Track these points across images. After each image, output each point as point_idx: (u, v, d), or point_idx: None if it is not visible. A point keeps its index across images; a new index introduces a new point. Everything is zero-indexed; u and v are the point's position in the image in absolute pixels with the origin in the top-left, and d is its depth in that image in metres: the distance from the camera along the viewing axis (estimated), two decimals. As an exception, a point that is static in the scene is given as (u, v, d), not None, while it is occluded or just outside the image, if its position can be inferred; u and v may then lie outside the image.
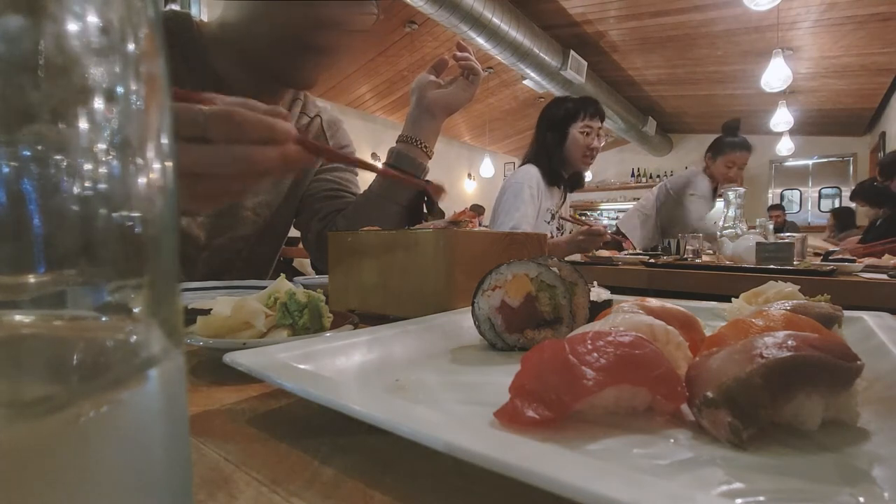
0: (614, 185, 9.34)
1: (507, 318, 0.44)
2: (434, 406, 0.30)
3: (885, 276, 1.22)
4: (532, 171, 1.86)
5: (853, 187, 4.19)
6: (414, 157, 0.92)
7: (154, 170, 0.13)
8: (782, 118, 5.24)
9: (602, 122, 1.90)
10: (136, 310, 0.12)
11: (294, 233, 1.11)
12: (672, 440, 0.24)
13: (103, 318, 0.12)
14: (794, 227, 4.91)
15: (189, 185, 0.45)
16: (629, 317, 0.34)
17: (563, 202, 2.04)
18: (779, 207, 6.13)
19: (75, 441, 0.10)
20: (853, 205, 4.20)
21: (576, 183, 2.02)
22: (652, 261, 1.66)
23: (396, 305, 0.59)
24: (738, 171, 2.43)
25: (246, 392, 0.34)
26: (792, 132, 6.03)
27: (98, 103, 0.11)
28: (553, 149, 1.88)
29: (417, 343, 0.43)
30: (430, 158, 0.95)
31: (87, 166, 0.11)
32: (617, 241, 2.11)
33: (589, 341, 0.28)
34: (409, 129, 0.93)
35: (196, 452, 0.25)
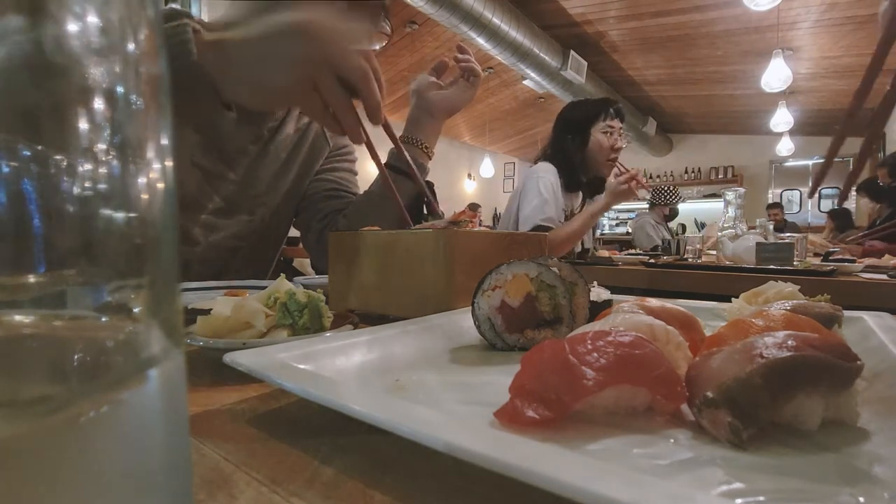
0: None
1: (507, 318, 0.44)
2: (434, 406, 0.30)
3: (884, 277, 1.22)
4: (550, 168, 1.81)
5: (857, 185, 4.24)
6: (415, 157, 0.92)
7: (154, 170, 0.13)
8: (782, 118, 5.25)
9: (622, 121, 1.83)
10: (136, 310, 0.12)
11: (294, 233, 1.11)
12: (672, 440, 0.24)
13: (103, 318, 0.12)
14: (794, 228, 4.91)
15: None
16: (629, 317, 0.34)
17: (581, 209, 1.95)
18: (777, 206, 6.12)
19: (75, 441, 0.10)
20: (852, 206, 4.24)
21: (596, 188, 1.92)
22: (652, 261, 1.66)
23: (396, 305, 0.59)
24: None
25: (246, 392, 0.34)
26: (792, 132, 6.04)
27: (98, 103, 0.11)
28: (574, 152, 1.81)
29: (417, 343, 0.43)
30: (430, 159, 0.95)
31: (87, 166, 0.11)
32: None
33: (589, 341, 0.28)
34: (409, 130, 0.94)
35: (196, 452, 0.25)
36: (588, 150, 1.81)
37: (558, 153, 1.85)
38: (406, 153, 0.80)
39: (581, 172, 1.84)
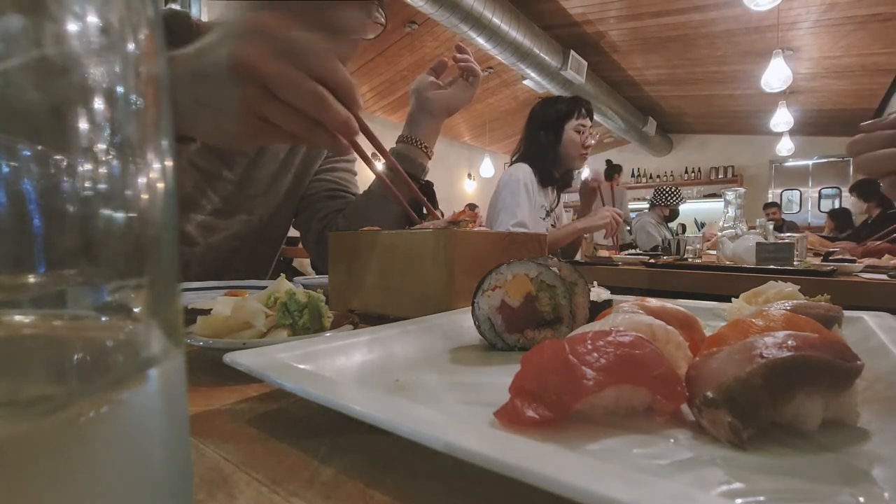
0: (614, 185, 9.32)
1: (507, 318, 0.44)
2: (434, 406, 0.30)
3: (885, 277, 1.22)
4: (526, 169, 1.88)
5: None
6: (414, 157, 0.92)
7: (154, 170, 0.13)
8: (782, 118, 5.25)
9: (591, 120, 1.93)
10: (136, 310, 0.12)
11: (294, 233, 1.11)
12: (672, 440, 0.24)
13: (103, 318, 0.12)
14: (793, 227, 4.91)
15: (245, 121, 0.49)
16: (629, 317, 0.34)
17: (558, 203, 2.06)
18: (774, 205, 6.13)
19: (75, 441, 0.10)
20: (851, 205, 4.30)
21: (566, 182, 2.04)
22: (652, 261, 1.66)
23: (396, 305, 0.59)
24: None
25: (246, 392, 0.34)
26: (792, 132, 6.05)
27: (98, 103, 0.11)
28: (548, 148, 1.89)
29: (417, 343, 0.43)
30: (429, 158, 0.95)
31: (87, 166, 0.11)
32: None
33: (589, 341, 0.28)
34: (408, 130, 0.94)
35: (196, 452, 0.25)
36: (561, 147, 1.89)
37: (532, 148, 1.93)
38: (392, 158, 0.78)
39: (554, 168, 1.93)
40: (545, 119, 1.91)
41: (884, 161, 0.52)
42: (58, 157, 0.11)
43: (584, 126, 1.88)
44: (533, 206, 1.85)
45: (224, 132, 0.53)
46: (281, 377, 0.28)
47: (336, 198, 1.04)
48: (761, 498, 0.19)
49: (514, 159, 2.00)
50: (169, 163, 0.13)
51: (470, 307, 0.45)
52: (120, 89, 0.12)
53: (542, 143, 1.90)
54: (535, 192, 1.87)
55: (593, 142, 1.93)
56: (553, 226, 1.99)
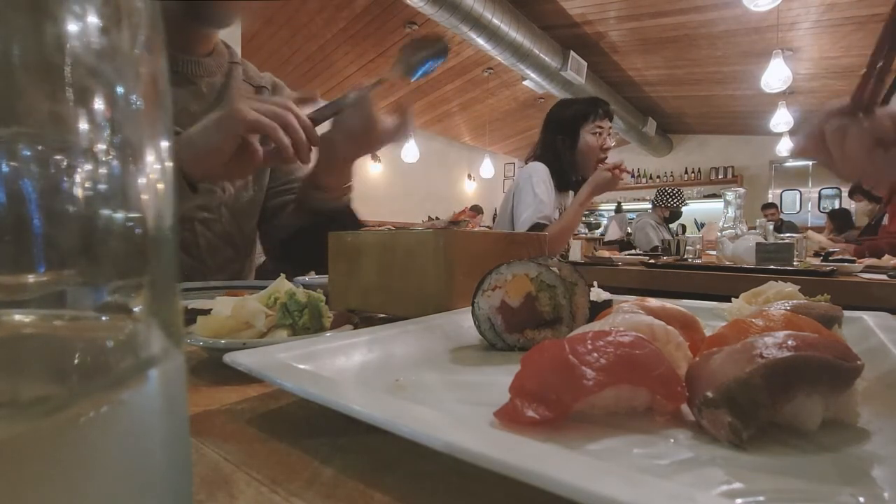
0: (614, 185, 9.30)
1: (507, 318, 0.44)
2: (434, 406, 0.30)
3: (884, 277, 1.22)
4: (542, 167, 1.82)
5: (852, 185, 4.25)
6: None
7: (154, 170, 0.13)
8: (782, 119, 5.25)
9: (611, 121, 1.85)
10: (136, 310, 0.12)
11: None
12: (672, 440, 0.24)
13: (103, 318, 0.12)
14: (792, 228, 4.90)
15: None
16: (629, 317, 0.34)
17: None
18: (772, 206, 6.11)
19: (75, 441, 0.10)
20: (852, 205, 4.26)
21: None
22: (652, 261, 1.66)
23: (396, 305, 0.59)
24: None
25: (246, 392, 0.34)
26: (792, 133, 6.04)
27: (98, 103, 0.11)
28: (563, 152, 1.82)
29: (417, 343, 0.43)
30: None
31: (87, 166, 0.11)
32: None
33: (589, 341, 0.28)
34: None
35: (196, 452, 0.25)
36: (578, 151, 1.82)
37: (548, 153, 1.86)
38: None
39: (571, 172, 1.86)
40: (561, 122, 1.84)
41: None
42: (58, 157, 0.11)
43: (601, 128, 1.80)
44: (553, 204, 1.79)
45: (220, 164, 0.71)
46: (281, 377, 0.28)
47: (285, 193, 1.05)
48: (761, 498, 0.19)
49: (528, 159, 1.93)
50: (169, 163, 0.13)
51: (470, 307, 0.45)
52: (120, 89, 0.12)
53: (559, 147, 1.82)
54: (551, 192, 1.80)
55: (612, 143, 1.84)
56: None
